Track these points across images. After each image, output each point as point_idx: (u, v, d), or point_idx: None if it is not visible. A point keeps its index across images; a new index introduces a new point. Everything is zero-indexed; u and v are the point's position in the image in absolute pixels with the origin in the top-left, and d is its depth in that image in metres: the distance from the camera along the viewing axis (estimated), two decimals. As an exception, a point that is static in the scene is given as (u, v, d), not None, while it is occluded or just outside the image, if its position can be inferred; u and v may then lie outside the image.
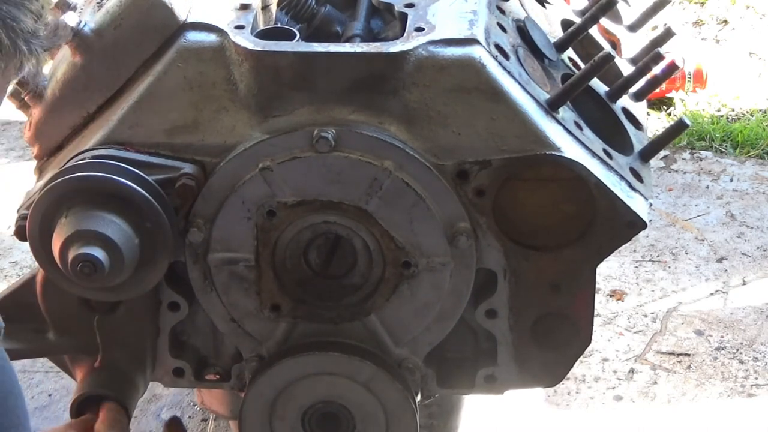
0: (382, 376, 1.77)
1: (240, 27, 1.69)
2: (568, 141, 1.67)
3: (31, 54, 1.28)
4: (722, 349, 3.02)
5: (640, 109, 1.95)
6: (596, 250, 1.73)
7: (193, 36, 1.69)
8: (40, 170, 1.84)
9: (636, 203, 1.69)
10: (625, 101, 1.91)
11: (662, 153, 3.72)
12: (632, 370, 2.95)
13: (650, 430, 2.77)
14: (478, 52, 1.64)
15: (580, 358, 1.84)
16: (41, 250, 1.66)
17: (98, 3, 1.78)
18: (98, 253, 1.58)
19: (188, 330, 1.88)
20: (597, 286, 1.82)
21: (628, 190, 1.70)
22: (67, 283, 1.67)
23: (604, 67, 1.72)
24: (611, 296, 3.22)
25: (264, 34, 1.70)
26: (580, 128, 1.73)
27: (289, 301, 1.78)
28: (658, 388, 2.89)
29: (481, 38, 1.66)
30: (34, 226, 1.64)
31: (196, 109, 1.68)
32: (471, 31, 1.67)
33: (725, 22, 4.81)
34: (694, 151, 3.96)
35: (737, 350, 3.02)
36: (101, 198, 1.62)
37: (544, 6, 2.03)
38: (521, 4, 1.92)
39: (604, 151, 1.73)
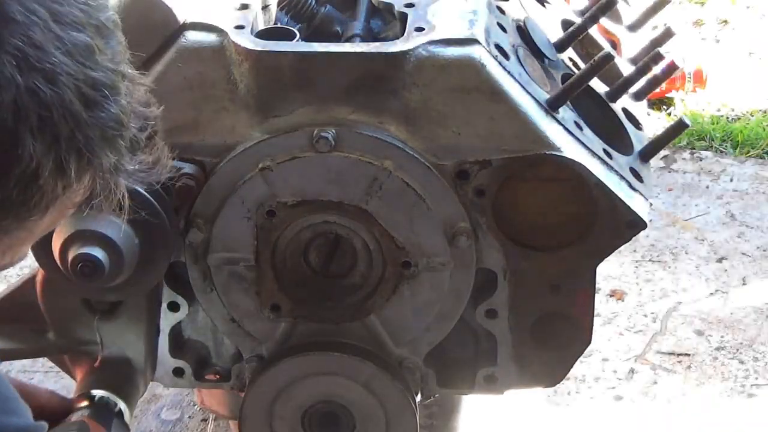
0: (382, 376, 1.77)
1: (240, 27, 1.69)
2: (568, 141, 1.67)
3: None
4: (722, 349, 3.02)
5: (640, 109, 1.95)
6: (596, 250, 1.73)
7: (193, 36, 1.68)
8: (40, 170, 1.84)
9: (636, 203, 1.69)
10: (625, 101, 1.91)
11: (662, 153, 3.72)
12: (632, 370, 2.94)
13: (650, 430, 2.76)
14: (478, 52, 1.64)
15: (580, 358, 1.84)
16: (41, 251, 1.66)
17: (98, 3, 1.78)
18: (98, 253, 1.58)
19: (188, 330, 1.88)
20: (597, 286, 1.82)
21: (628, 190, 1.70)
22: (67, 283, 1.67)
23: (604, 67, 1.72)
24: (611, 296, 3.22)
25: (264, 34, 1.70)
26: (580, 128, 1.72)
27: (289, 301, 1.78)
28: (658, 388, 2.88)
29: (481, 38, 1.66)
30: (34, 226, 1.64)
31: (196, 109, 1.68)
32: (471, 31, 1.67)
33: (725, 22, 4.81)
34: (694, 151, 3.96)
35: (737, 350, 3.01)
36: (101, 198, 1.62)
37: (544, 6, 2.02)
38: (521, 4, 1.92)
39: (604, 151, 1.73)
